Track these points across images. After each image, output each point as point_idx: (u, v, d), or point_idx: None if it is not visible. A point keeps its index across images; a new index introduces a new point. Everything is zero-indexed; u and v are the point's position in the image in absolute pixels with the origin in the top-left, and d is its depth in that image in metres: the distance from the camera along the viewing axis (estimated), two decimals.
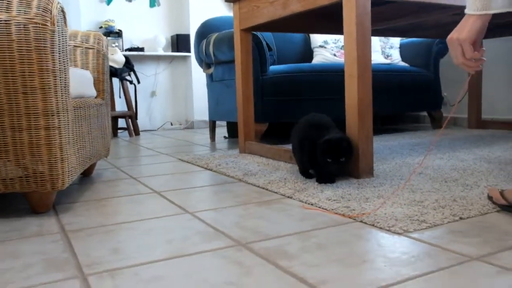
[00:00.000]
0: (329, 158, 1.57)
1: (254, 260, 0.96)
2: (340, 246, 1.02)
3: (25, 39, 1.25)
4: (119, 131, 4.43)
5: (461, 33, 1.16)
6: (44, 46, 1.27)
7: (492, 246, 0.98)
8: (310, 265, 0.91)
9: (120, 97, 4.49)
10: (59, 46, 1.31)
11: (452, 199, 1.36)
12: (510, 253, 0.94)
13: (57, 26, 1.30)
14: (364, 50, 1.67)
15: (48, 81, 1.28)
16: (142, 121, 4.85)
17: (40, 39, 1.27)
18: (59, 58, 1.32)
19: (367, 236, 1.09)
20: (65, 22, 1.36)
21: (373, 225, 1.16)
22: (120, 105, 4.60)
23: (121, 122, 4.56)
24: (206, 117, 4.84)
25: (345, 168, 1.66)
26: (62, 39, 1.34)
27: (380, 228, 1.14)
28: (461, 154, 2.20)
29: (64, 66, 1.35)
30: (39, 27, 1.26)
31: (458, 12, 2.28)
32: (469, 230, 1.10)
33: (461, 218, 1.19)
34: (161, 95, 5.00)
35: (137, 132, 4.28)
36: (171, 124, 5.05)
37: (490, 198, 1.32)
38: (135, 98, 4.36)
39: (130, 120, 4.23)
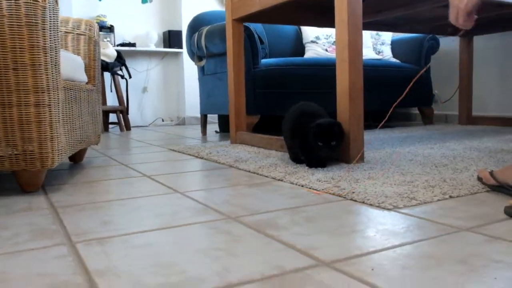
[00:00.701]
0: (320, 142, 1.57)
1: (243, 230, 0.95)
2: (330, 219, 1.02)
3: (16, 15, 1.24)
4: (110, 126, 4.41)
5: None
6: (35, 22, 1.26)
7: (481, 219, 0.99)
8: (300, 234, 0.91)
9: (111, 91, 4.47)
10: (50, 23, 1.30)
11: (442, 180, 1.37)
12: (500, 224, 0.95)
13: (48, 2, 1.29)
14: (355, 36, 1.67)
15: (38, 57, 1.27)
16: (133, 117, 4.83)
17: (31, 15, 1.26)
18: (50, 35, 1.31)
19: (357, 211, 1.09)
20: (56, 0, 1.35)
21: (363, 202, 1.16)
22: (112, 100, 4.58)
23: (112, 117, 4.54)
24: (197, 114, 4.83)
25: (336, 152, 1.66)
26: (53, 16, 1.33)
27: (370, 204, 1.14)
28: (451, 145, 2.21)
29: (55, 44, 1.34)
30: (30, 2, 1.25)
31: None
32: (459, 207, 1.10)
33: (451, 197, 1.19)
34: (153, 91, 4.99)
35: (128, 127, 4.26)
36: (163, 120, 5.04)
37: (480, 179, 1.33)
38: (126, 93, 4.34)
39: (121, 115, 4.21)
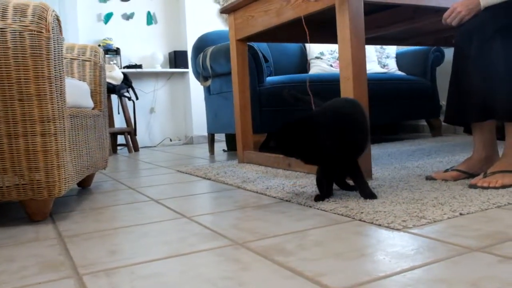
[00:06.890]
0: None
1: (251, 257, 0.94)
2: (338, 242, 1.01)
3: (21, 46, 1.26)
4: (118, 147, 4.43)
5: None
6: (39, 53, 1.28)
7: (493, 238, 0.97)
8: (308, 260, 0.90)
9: (118, 113, 4.49)
10: (54, 53, 1.32)
11: (452, 196, 1.35)
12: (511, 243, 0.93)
13: (52, 33, 1.31)
14: (358, 53, 1.67)
15: (43, 87, 1.29)
16: (141, 137, 4.85)
17: (36, 46, 1.27)
18: (55, 65, 1.32)
19: (365, 232, 1.08)
20: (60, 30, 1.37)
21: (372, 222, 1.15)
22: (119, 122, 4.61)
23: (121, 139, 4.56)
24: (205, 132, 4.83)
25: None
26: (58, 46, 1.34)
27: (379, 225, 1.13)
28: (460, 158, 2.19)
29: (60, 73, 1.35)
30: (35, 34, 1.27)
31: None
32: (469, 225, 1.09)
33: (461, 214, 1.17)
34: (160, 111, 5.01)
35: (136, 148, 4.27)
36: (171, 140, 5.05)
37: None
38: (134, 115, 4.37)
39: (129, 136, 4.23)
